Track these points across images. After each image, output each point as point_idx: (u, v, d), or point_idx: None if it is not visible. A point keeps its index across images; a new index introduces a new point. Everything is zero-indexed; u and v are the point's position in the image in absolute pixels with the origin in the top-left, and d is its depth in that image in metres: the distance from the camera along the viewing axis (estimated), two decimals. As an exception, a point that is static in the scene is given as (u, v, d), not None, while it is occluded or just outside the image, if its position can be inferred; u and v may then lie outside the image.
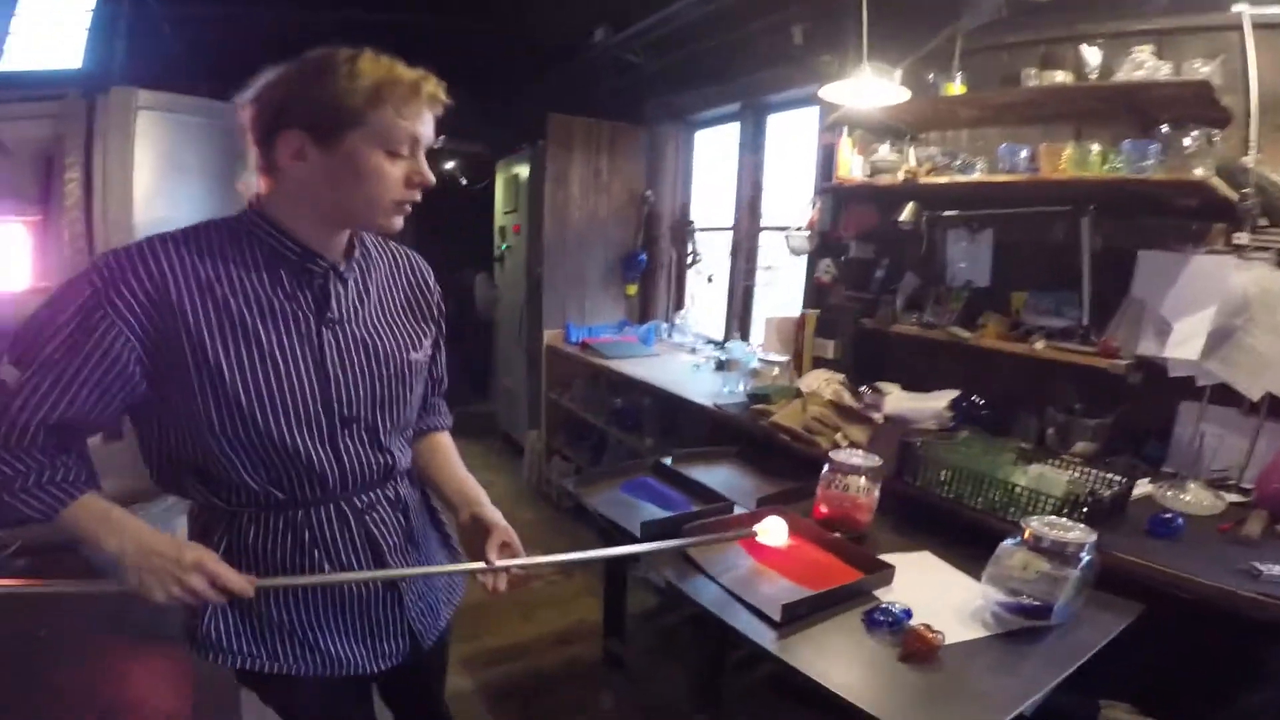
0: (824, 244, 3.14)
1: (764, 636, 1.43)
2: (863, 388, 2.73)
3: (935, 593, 1.58)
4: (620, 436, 3.67)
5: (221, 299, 0.99)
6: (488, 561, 1.16)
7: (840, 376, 2.74)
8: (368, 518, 1.19)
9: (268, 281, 1.03)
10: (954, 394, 2.52)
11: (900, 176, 2.56)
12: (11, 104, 3.03)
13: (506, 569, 1.18)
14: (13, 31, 3.42)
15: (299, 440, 1.06)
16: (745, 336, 3.76)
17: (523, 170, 4.39)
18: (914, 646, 1.31)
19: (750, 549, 1.73)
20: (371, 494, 1.20)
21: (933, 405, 2.54)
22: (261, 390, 1.02)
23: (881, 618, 1.40)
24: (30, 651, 1.60)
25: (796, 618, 1.45)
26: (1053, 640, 1.38)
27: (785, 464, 2.36)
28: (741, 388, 2.89)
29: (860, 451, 1.93)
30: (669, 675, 2.30)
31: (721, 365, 3.18)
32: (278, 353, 1.03)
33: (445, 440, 1.41)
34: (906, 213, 2.63)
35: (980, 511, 1.84)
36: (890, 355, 2.88)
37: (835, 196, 3.04)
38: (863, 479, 1.84)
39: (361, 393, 1.11)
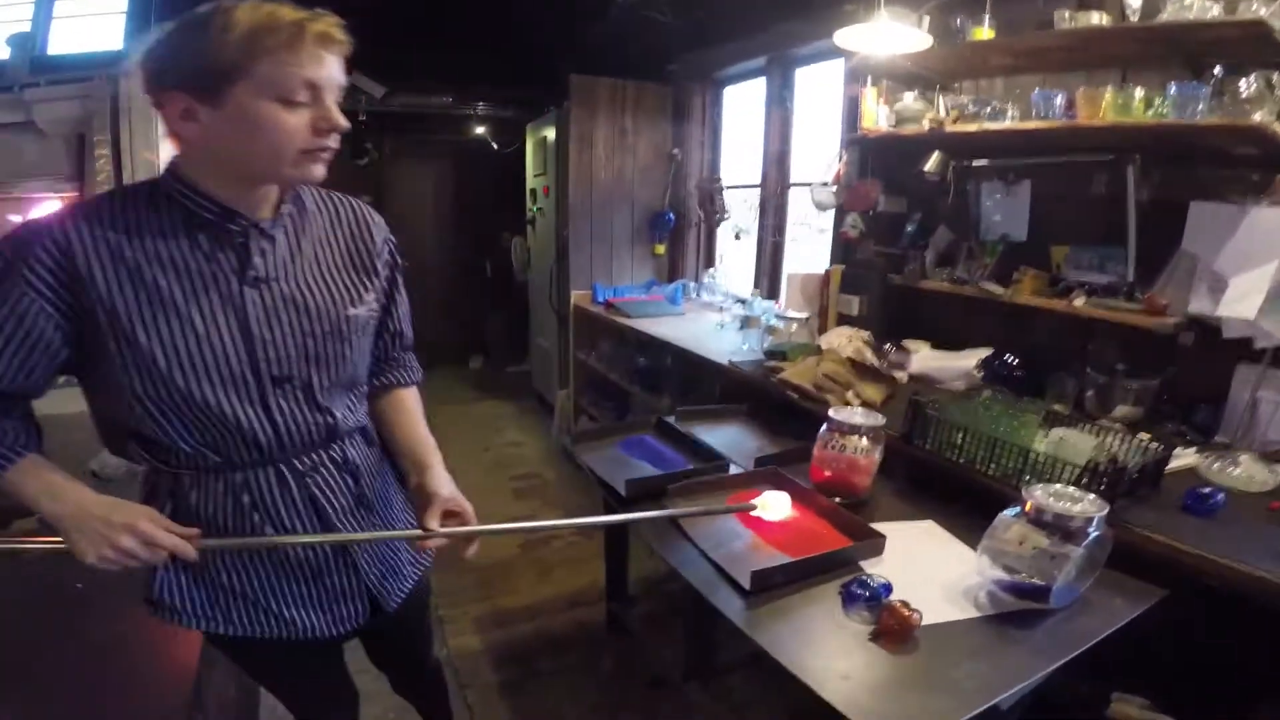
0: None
1: (733, 605, 1.29)
2: (887, 345, 2.54)
3: (930, 567, 1.40)
4: (643, 396, 3.55)
5: (133, 264, 0.95)
6: (424, 530, 1.10)
7: (865, 334, 2.55)
8: (309, 480, 1.13)
9: (186, 244, 0.98)
10: (985, 353, 2.32)
11: (925, 125, 2.37)
12: (42, 87, 3.07)
13: (447, 537, 1.12)
14: (57, 15, 3.48)
15: (224, 401, 1.01)
16: (775, 295, 3.56)
17: (550, 133, 4.26)
18: (887, 624, 1.14)
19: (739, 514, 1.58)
20: (314, 456, 1.13)
21: (961, 364, 2.35)
22: (180, 353, 0.97)
23: (859, 591, 1.23)
24: (65, 604, 1.62)
25: (768, 586, 1.31)
26: (1051, 626, 1.19)
27: (796, 424, 2.19)
28: (762, 345, 2.72)
29: (861, 409, 1.74)
30: (670, 641, 2.18)
31: (746, 323, 3.01)
32: (195, 315, 0.98)
33: (406, 397, 1.32)
34: (931, 163, 2.42)
35: (994, 479, 1.64)
36: (919, 313, 2.69)
37: (861, 148, 2.83)
38: (863, 439, 1.65)
39: (292, 351, 1.05)
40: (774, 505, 1.52)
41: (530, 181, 4.80)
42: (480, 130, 5.49)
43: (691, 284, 4.08)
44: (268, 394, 1.05)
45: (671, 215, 4.19)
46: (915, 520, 1.63)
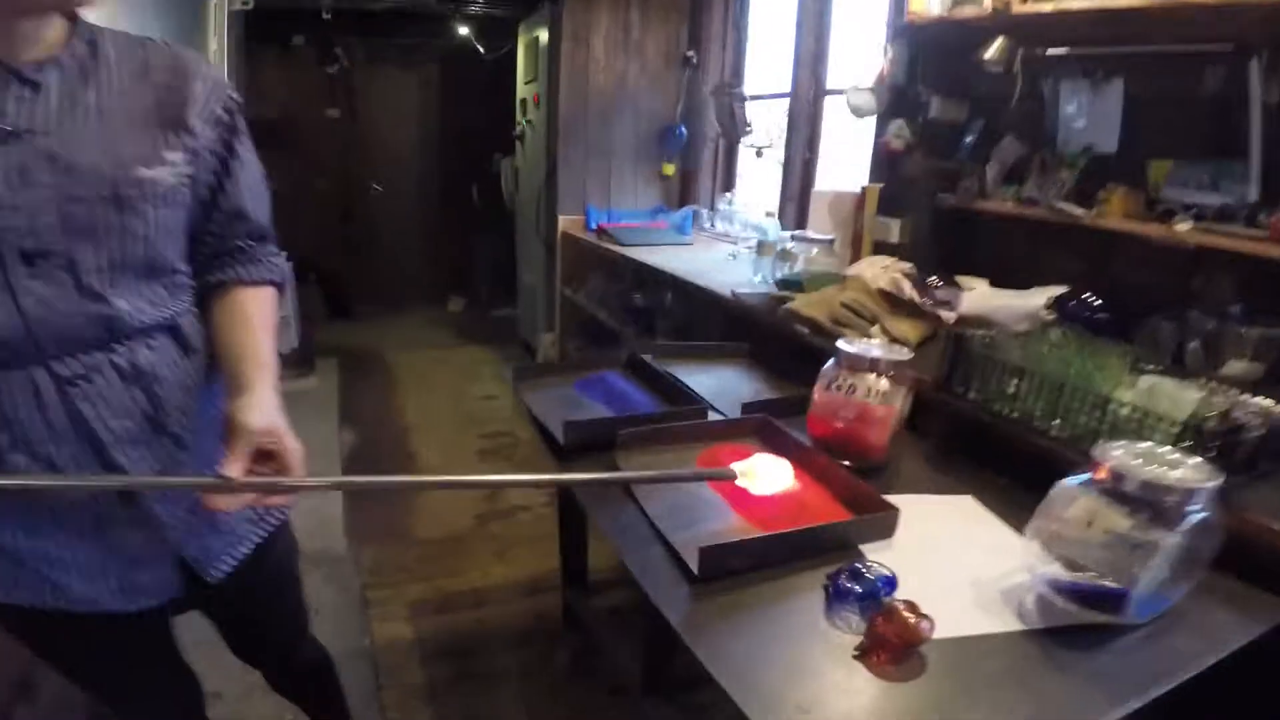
0: (896, 102, 2.60)
1: (674, 596, 1.03)
2: (932, 279, 2.23)
3: (960, 557, 1.14)
4: (637, 339, 3.29)
5: None
6: (221, 477, 0.88)
7: (906, 265, 2.25)
8: (74, 390, 0.95)
9: None
10: (1059, 290, 2.02)
11: (988, 5, 2.06)
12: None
13: (250, 489, 0.91)
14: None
15: None
16: (803, 224, 3.25)
17: (543, 33, 4.02)
18: (882, 634, 0.86)
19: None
20: (84, 359, 0.96)
21: (1028, 304, 2.05)
22: None
23: (848, 585, 0.95)
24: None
25: (725, 572, 1.05)
26: (1125, 648, 0.90)
27: (807, 369, 1.89)
28: (773, 275, 2.45)
29: (878, 341, 1.44)
30: (635, 641, 1.94)
31: (760, 250, 2.73)
32: None
33: (246, 299, 1.10)
34: (993, 49, 2.11)
35: (1059, 440, 1.36)
36: (976, 241, 2.42)
37: (910, 40, 2.52)
38: (881, 379, 1.36)
39: (50, 220, 0.91)
40: (764, 475, 1.19)
41: (520, 90, 4.56)
42: (465, 31, 5.20)
43: (705, 211, 3.83)
44: (14, 272, 0.89)
45: (683, 129, 3.94)
46: (948, 494, 1.36)
